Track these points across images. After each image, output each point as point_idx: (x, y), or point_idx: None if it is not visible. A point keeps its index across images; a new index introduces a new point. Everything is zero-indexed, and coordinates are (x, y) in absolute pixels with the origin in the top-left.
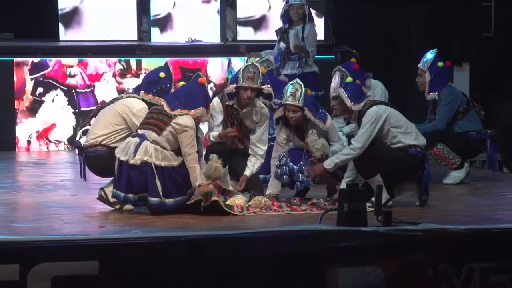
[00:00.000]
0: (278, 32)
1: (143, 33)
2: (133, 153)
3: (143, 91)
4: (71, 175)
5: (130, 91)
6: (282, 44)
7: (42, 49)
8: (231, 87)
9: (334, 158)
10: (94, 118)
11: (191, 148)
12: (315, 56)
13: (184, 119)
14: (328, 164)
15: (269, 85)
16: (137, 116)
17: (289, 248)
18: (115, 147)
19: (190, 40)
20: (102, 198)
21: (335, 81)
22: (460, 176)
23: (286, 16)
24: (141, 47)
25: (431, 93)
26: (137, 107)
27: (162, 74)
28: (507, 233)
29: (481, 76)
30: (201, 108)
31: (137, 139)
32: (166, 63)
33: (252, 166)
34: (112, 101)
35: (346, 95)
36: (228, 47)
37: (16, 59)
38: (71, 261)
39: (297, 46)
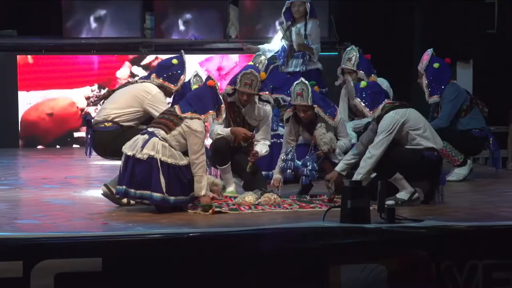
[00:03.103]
0: (281, 29)
1: (146, 30)
2: (141, 148)
3: (154, 74)
4: (75, 172)
5: (142, 76)
6: (285, 42)
7: (45, 46)
8: (229, 88)
9: (357, 172)
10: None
11: (200, 157)
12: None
13: (195, 123)
14: (354, 178)
15: (267, 92)
16: (155, 99)
17: (293, 245)
18: (126, 126)
19: (193, 37)
20: (106, 194)
21: (348, 87)
22: (463, 173)
23: (288, 13)
24: (144, 44)
25: (432, 97)
26: (155, 91)
27: (175, 61)
28: (510, 230)
29: (484, 72)
30: (210, 111)
31: (146, 136)
32: (181, 52)
33: (260, 147)
34: (125, 85)
35: (364, 104)
36: (231, 44)
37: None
38: (75, 258)
39: (300, 44)
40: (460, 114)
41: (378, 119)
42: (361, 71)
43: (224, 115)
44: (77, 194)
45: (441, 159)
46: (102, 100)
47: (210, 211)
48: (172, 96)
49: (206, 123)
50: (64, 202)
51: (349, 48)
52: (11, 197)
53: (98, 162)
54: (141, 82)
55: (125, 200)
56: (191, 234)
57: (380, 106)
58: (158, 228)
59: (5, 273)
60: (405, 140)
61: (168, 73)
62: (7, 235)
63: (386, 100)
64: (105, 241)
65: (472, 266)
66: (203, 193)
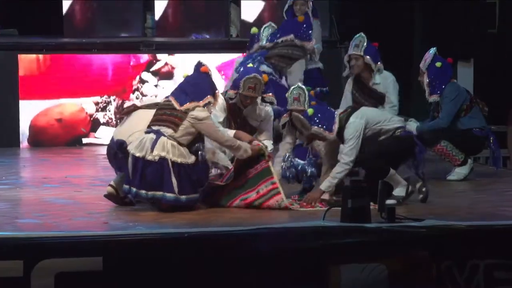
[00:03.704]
0: None
1: (147, 29)
2: (150, 149)
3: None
4: (75, 171)
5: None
6: None
7: (46, 45)
8: (231, 92)
9: (330, 179)
10: (130, 116)
11: (222, 136)
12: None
13: (200, 112)
14: (327, 186)
15: (270, 93)
16: None
17: (293, 244)
18: None
19: (195, 37)
20: (112, 194)
21: (296, 122)
22: (464, 172)
23: (290, 12)
24: (145, 43)
25: (433, 95)
26: None
27: None
28: (511, 230)
29: (485, 72)
30: (208, 96)
31: (153, 135)
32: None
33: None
34: (154, 106)
35: (323, 128)
36: (232, 43)
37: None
38: (75, 258)
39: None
40: (460, 113)
41: (340, 132)
42: (367, 57)
43: (224, 108)
44: (77, 193)
45: (411, 133)
46: (128, 115)
47: (266, 157)
48: None
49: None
50: (65, 202)
51: (357, 36)
52: (12, 196)
53: (98, 161)
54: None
55: (127, 200)
56: (191, 234)
57: (336, 121)
58: (159, 228)
59: (5, 272)
60: (376, 136)
61: None
62: (8, 235)
63: (336, 112)
64: (106, 240)
65: (473, 266)
66: (247, 154)
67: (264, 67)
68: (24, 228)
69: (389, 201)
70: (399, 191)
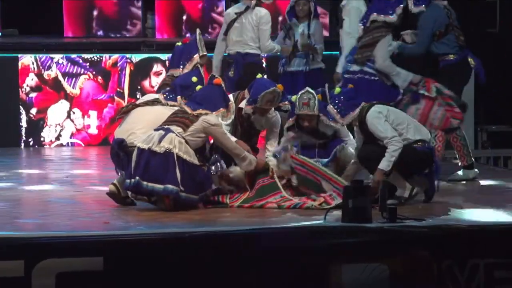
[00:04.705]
0: (283, 28)
1: (147, 29)
2: (158, 141)
3: (179, 96)
4: (76, 171)
5: (165, 94)
6: (288, 41)
7: (46, 45)
8: (248, 108)
9: (388, 157)
10: (129, 115)
11: (228, 140)
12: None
13: (212, 118)
14: (387, 166)
15: (286, 102)
16: None
17: (294, 244)
18: None
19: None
20: (113, 193)
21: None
22: (468, 175)
23: (291, 12)
24: (146, 43)
25: (414, 7)
26: None
27: (194, 79)
28: (511, 229)
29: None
30: (221, 109)
31: (161, 131)
32: (198, 68)
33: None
34: (152, 103)
35: (336, 111)
36: None
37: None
38: (76, 257)
39: (304, 44)
40: (433, 38)
41: (360, 121)
42: None
43: (232, 113)
44: (78, 193)
45: (433, 150)
46: (126, 114)
47: (270, 173)
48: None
49: None
50: (65, 201)
51: None
52: (12, 196)
53: (99, 161)
54: (171, 106)
55: (129, 200)
56: (192, 234)
57: (357, 110)
58: (160, 228)
59: (6, 272)
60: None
61: (189, 94)
62: (8, 235)
63: (363, 102)
64: (106, 240)
65: (473, 266)
66: (251, 167)
67: (354, 67)
68: (24, 228)
69: (390, 201)
70: (402, 192)
